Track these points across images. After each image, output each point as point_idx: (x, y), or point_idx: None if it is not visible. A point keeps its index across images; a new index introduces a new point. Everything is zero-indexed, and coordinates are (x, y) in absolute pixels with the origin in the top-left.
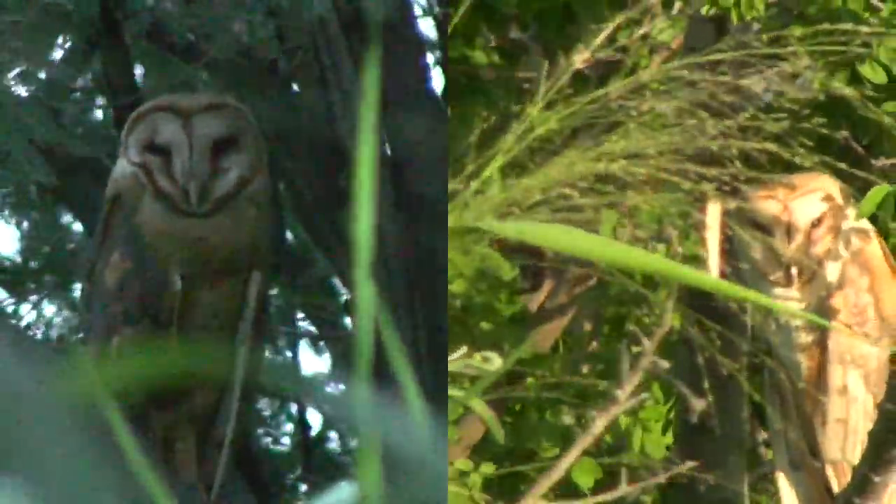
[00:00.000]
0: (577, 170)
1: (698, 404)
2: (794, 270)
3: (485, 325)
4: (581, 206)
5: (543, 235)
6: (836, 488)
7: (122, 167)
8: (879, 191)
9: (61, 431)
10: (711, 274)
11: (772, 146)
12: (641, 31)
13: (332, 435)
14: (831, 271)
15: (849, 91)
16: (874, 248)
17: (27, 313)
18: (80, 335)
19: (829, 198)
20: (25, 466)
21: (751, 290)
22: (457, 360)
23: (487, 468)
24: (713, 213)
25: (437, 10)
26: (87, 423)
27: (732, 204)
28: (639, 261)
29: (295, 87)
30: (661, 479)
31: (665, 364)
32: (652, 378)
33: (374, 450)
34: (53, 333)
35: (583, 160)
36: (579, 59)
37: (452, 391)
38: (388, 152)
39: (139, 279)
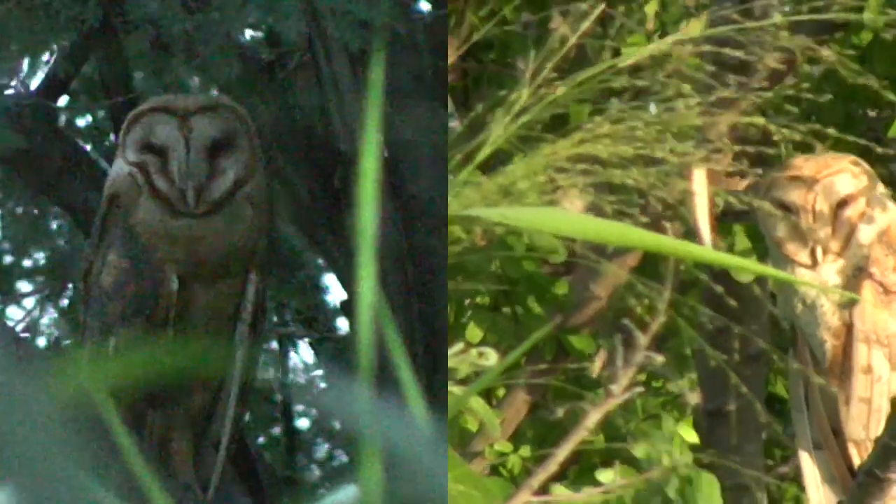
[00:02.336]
0: (563, 153)
1: (692, 398)
2: (819, 251)
3: (533, 306)
4: (566, 187)
5: (533, 219)
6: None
7: (120, 167)
8: None
9: (55, 432)
10: (703, 241)
11: (759, 119)
12: (679, 36)
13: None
14: (856, 249)
15: (828, 53)
16: None
17: (21, 315)
18: (75, 336)
19: (857, 178)
20: (20, 467)
21: (745, 260)
22: (453, 355)
23: (525, 451)
24: (699, 180)
25: (428, 12)
26: (82, 424)
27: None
28: (630, 238)
29: (290, 87)
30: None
31: (660, 358)
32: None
33: (374, 450)
34: (45, 335)
35: (567, 144)
36: (564, 43)
37: (452, 387)
38: (385, 150)
39: (136, 279)
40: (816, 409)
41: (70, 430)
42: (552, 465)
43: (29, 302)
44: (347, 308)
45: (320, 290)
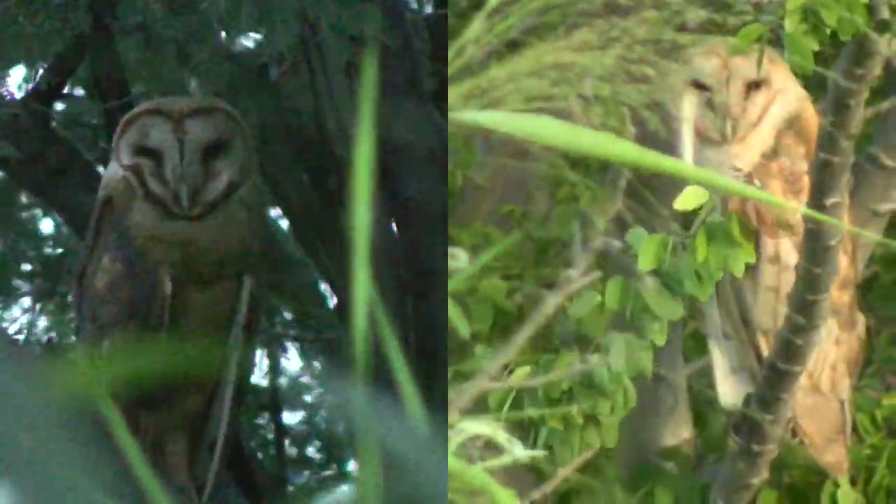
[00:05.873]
0: (546, 60)
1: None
2: (729, 127)
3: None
4: (551, 95)
5: (514, 124)
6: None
7: (114, 170)
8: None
9: (51, 434)
10: (687, 163)
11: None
12: None
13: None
14: (766, 133)
15: None
16: (811, 116)
17: (17, 316)
18: (69, 338)
19: (770, 63)
20: (16, 468)
21: (729, 180)
22: None
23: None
24: (688, 105)
25: (425, 12)
26: (77, 426)
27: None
28: (611, 149)
29: (283, 89)
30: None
31: (618, 244)
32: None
33: (372, 450)
34: (39, 336)
35: (551, 51)
36: None
37: None
38: (380, 152)
39: (130, 282)
40: (724, 299)
41: (65, 432)
42: (510, 351)
43: (22, 303)
44: (341, 310)
45: (314, 292)
